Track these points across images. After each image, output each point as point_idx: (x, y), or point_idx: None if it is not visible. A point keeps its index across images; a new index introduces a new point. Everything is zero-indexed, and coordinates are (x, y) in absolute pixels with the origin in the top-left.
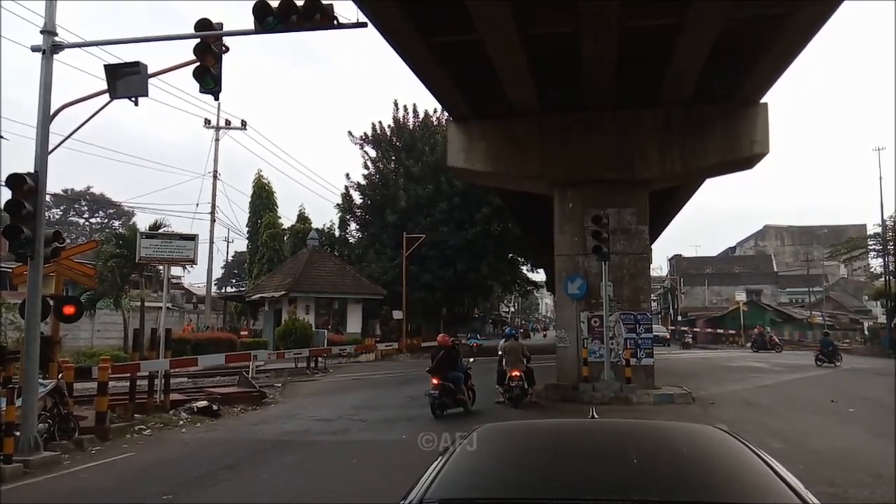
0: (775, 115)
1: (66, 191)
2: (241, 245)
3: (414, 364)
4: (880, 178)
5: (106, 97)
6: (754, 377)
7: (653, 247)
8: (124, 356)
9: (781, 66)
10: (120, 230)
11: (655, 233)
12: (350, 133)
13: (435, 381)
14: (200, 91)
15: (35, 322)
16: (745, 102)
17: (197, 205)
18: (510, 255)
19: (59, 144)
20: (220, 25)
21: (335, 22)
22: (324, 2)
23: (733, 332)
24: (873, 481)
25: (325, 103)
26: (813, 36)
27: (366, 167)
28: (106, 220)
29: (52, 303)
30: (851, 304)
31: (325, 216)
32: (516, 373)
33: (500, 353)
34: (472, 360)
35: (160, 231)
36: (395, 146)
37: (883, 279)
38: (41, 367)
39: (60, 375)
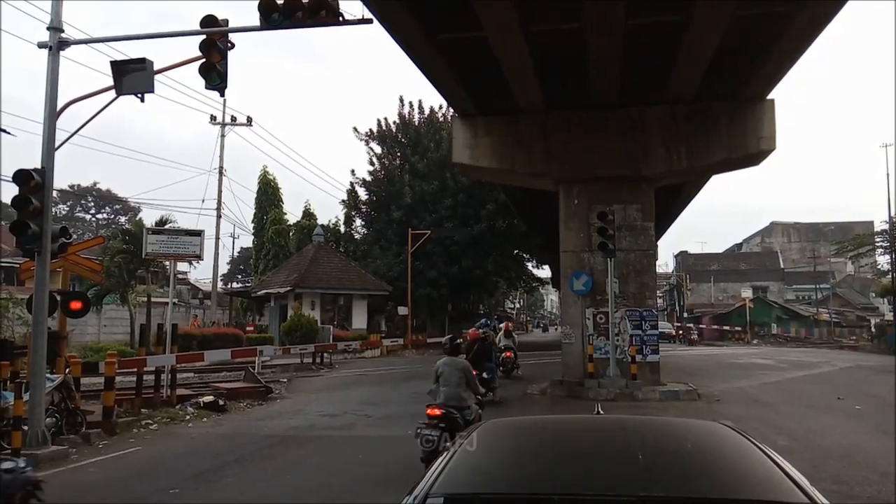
0: (782, 111)
1: (72, 187)
2: (246, 241)
3: (419, 360)
4: (888, 174)
5: (112, 93)
6: (760, 374)
7: (658, 243)
8: (131, 351)
9: (788, 62)
10: (126, 226)
11: (661, 229)
12: (355, 129)
13: (474, 372)
14: (206, 87)
15: (42, 317)
16: (752, 99)
17: (203, 201)
18: (515, 251)
19: (65, 140)
20: (226, 22)
21: (340, 18)
22: None
23: (739, 328)
24: (879, 479)
25: (330, 100)
26: (819, 33)
27: (371, 163)
28: (112, 216)
29: (59, 298)
30: (858, 301)
31: (330, 212)
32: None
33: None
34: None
35: (166, 227)
36: (401, 142)
37: (890, 276)
38: (48, 362)
39: (68, 370)
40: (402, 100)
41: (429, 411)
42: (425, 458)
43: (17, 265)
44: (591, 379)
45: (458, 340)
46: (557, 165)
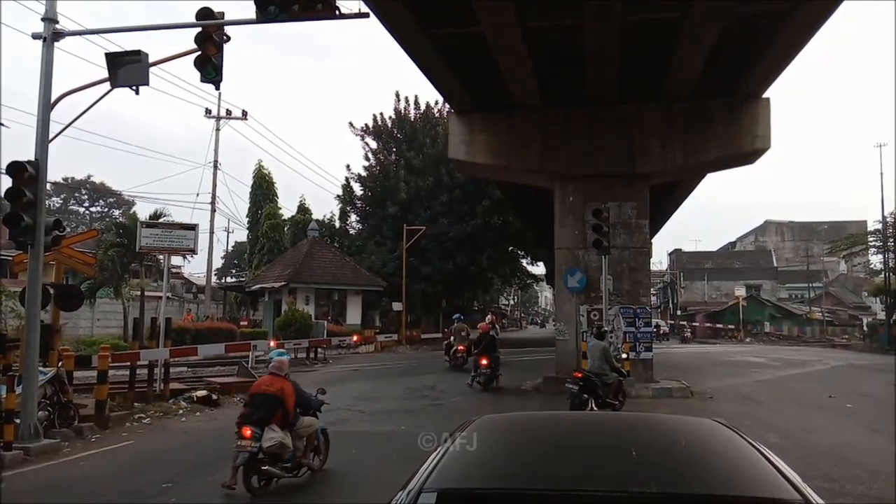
0: (777, 110)
1: (66, 179)
2: (241, 235)
3: (413, 356)
4: (881, 174)
5: (107, 86)
6: (753, 372)
7: (653, 241)
8: (124, 345)
9: (784, 61)
10: (120, 219)
11: (656, 227)
12: (351, 124)
13: (485, 361)
14: (201, 80)
15: (35, 310)
16: (747, 97)
17: (197, 194)
18: (510, 247)
19: (59, 132)
20: (222, 14)
21: (336, 12)
22: None
23: (732, 326)
24: (870, 477)
25: (326, 94)
26: (815, 32)
27: (366, 158)
28: (106, 209)
29: (52, 291)
30: (851, 301)
31: (325, 207)
32: (461, 347)
33: (450, 333)
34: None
35: (160, 220)
36: (396, 138)
37: (882, 275)
38: (41, 356)
39: (60, 364)
40: (398, 95)
41: (574, 374)
42: (571, 404)
43: (10, 258)
44: None
45: (606, 329)
46: (553, 162)
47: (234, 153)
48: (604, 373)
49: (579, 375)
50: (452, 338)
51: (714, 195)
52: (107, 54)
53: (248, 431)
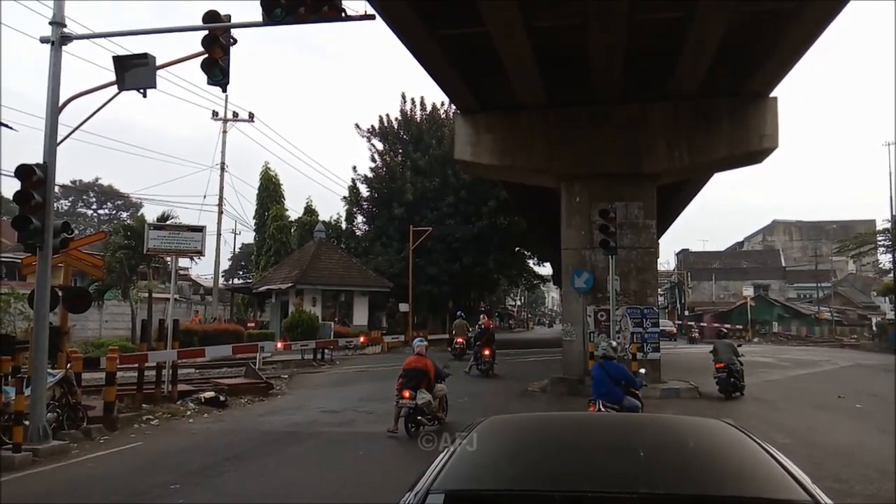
0: (785, 109)
1: (74, 182)
2: (248, 237)
3: None
4: (890, 173)
5: (114, 89)
6: (761, 372)
7: (660, 241)
8: (132, 347)
9: (791, 60)
10: (128, 221)
11: (663, 227)
12: (357, 126)
13: (487, 352)
14: (208, 83)
15: (44, 312)
16: (755, 96)
17: (204, 196)
18: (516, 248)
19: (67, 136)
20: (228, 17)
21: (343, 14)
22: None
23: (740, 327)
24: (880, 477)
25: (332, 96)
26: (823, 31)
27: (373, 160)
28: (114, 212)
29: (60, 293)
30: (860, 300)
31: (331, 209)
32: (460, 339)
33: (452, 328)
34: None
35: (168, 222)
36: (403, 139)
37: (892, 275)
38: (50, 357)
39: (69, 365)
40: (403, 96)
41: (717, 365)
42: (721, 388)
43: (19, 260)
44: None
45: (725, 332)
46: (559, 162)
47: (241, 155)
48: (734, 363)
49: (721, 366)
50: (454, 332)
51: (721, 194)
52: (114, 57)
53: (407, 393)
